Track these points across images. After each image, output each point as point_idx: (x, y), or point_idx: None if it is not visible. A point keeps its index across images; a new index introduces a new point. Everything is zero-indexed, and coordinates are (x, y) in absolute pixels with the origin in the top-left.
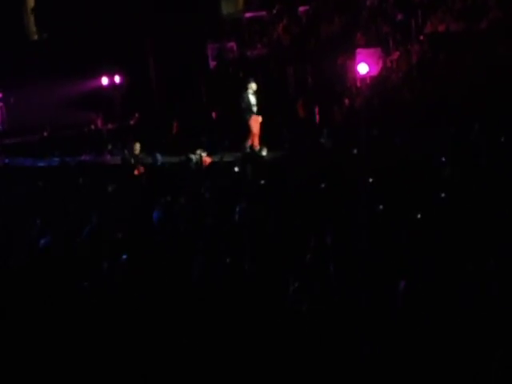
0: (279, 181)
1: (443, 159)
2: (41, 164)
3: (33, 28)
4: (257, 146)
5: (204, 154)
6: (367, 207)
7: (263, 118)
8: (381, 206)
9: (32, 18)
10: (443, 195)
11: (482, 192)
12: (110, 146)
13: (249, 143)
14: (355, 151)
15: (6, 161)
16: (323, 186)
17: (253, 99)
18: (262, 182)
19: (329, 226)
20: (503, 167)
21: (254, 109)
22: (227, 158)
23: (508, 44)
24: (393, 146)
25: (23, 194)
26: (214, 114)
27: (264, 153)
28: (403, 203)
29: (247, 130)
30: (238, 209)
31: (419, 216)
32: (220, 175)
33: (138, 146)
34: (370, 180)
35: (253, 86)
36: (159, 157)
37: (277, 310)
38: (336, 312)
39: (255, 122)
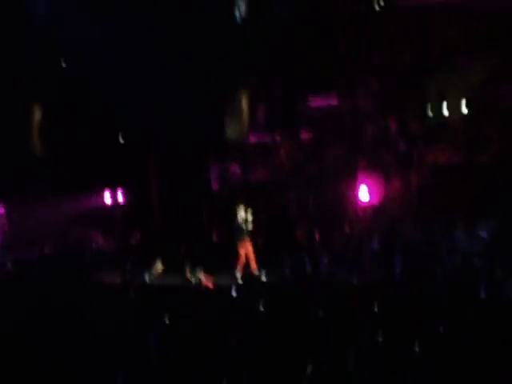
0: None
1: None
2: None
3: (37, 144)
4: (254, 270)
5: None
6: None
7: (261, 241)
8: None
9: (37, 135)
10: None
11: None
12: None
13: (239, 270)
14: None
15: None
16: (323, 316)
17: (242, 223)
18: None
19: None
20: None
21: (244, 233)
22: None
23: (509, 177)
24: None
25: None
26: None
27: (263, 278)
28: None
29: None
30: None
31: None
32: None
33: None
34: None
35: (241, 211)
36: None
37: None
38: None
39: (245, 247)
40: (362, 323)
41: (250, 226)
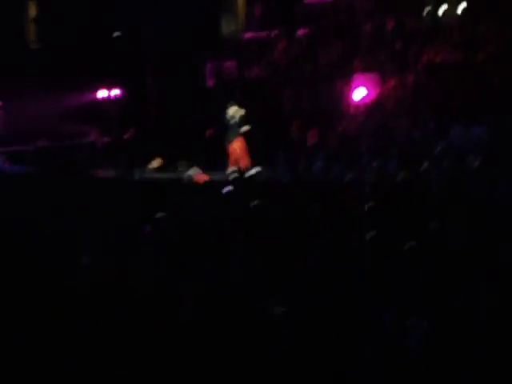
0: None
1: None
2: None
3: (33, 37)
4: (244, 167)
5: (198, 171)
6: (360, 234)
7: (255, 139)
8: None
9: (33, 27)
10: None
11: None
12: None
13: (230, 167)
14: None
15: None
16: (317, 210)
17: (233, 122)
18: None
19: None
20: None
21: (234, 132)
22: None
23: (504, 78)
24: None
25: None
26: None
27: (253, 171)
28: (397, 231)
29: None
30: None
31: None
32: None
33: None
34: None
35: (230, 111)
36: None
37: None
38: None
39: (237, 145)
40: (354, 220)
41: (242, 123)
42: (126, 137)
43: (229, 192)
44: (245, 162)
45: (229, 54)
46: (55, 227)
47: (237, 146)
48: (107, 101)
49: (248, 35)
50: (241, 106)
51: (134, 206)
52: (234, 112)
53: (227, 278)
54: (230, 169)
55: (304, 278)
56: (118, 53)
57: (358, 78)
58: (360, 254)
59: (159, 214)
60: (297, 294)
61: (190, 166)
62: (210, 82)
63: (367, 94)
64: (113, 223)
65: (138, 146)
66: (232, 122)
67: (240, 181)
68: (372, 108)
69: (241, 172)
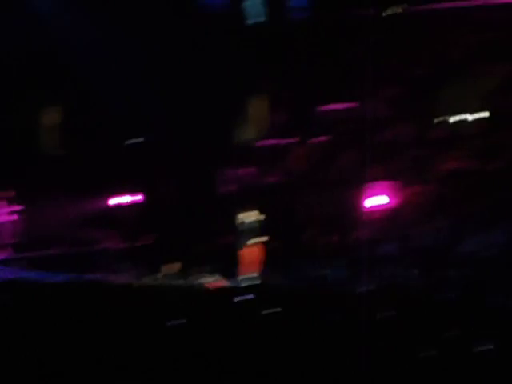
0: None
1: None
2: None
3: (54, 142)
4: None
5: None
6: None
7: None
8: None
9: (54, 134)
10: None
11: None
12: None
13: (243, 274)
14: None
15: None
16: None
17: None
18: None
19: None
20: None
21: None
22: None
23: None
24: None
25: None
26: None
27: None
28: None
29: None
30: None
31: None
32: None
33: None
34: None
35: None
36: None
37: None
38: None
39: (251, 251)
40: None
41: (257, 229)
42: (142, 242)
43: (242, 300)
44: (258, 268)
45: (245, 160)
46: None
47: (251, 252)
48: (126, 206)
49: (265, 142)
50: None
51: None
52: (247, 217)
53: None
54: (243, 276)
55: None
56: (138, 159)
57: (375, 185)
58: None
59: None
60: None
61: (203, 272)
62: (226, 188)
63: (384, 202)
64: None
65: (155, 251)
66: (246, 227)
67: (253, 288)
68: (389, 215)
69: (255, 279)
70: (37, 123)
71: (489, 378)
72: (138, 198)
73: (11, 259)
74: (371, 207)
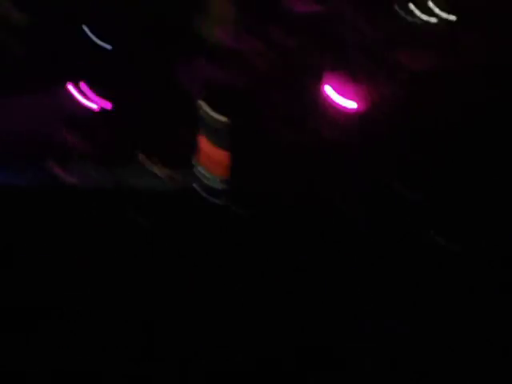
0: None
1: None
2: None
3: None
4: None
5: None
6: None
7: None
8: None
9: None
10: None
11: None
12: None
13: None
14: None
15: None
16: None
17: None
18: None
19: None
20: None
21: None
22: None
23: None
24: None
25: None
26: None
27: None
28: None
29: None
30: None
31: None
32: None
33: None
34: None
35: (212, 114)
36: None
37: None
38: None
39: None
40: None
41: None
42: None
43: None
44: (223, 172)
45: (207, 57)
46: None
47: (216, 155)
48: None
49: (227, 40)
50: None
51: None
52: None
53: None
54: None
55: None
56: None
57: (336, 84)
58: None
59: None
60: None
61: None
62: (189, 85)
63: (350, 105)
64: None
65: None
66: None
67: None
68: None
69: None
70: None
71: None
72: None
73: None
74: (338, 109)
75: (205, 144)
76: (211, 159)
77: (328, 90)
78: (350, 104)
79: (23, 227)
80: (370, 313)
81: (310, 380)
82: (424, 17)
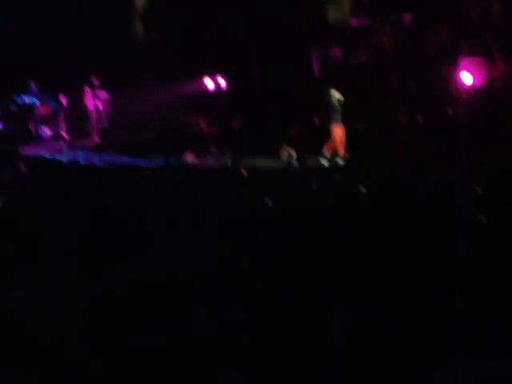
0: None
1: None
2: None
3: (140, 29)
4: (340, 154)
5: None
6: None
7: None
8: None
9: (140, 19)
10: None
11: None
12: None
13: (328, 150)
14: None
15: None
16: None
17: (337, 106)
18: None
19: None
20: None
21: (337, 117)
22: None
23: None
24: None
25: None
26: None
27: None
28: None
29: (328, 137)
30: None
31: None
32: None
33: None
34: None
35: (335, 95)
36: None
37: None
38: None
39: (337, 133)
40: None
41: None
42: (233, 126)
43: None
44: (342, 150)
45: (335, 41)
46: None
47: (336, 134)
48: (214, 90)
49: (354, 22)
50: (341, 91)
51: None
52: (336, 96)
53: None
54: (328, 152)
55: None
56: (224, 42)
57: (465, 61)
58: None
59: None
60: None
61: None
62: (316, 70)
63: (475, 79)
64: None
65: (246, 135)
66: (336, 105)
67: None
68: (481, 93)
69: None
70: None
71: None
72: (227, 83)
73: (104, 145)
74: (462, 86)
75: (333, 128)
76: (335, 141)
77: (455, 69)
78: (477, 82)
79: None
80: None
81: None
82: None
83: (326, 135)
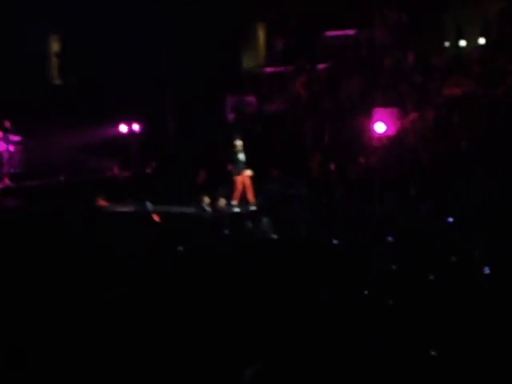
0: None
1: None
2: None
3: (55, 72)
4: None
5: (223, 202)
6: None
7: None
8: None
9: (55, 63)
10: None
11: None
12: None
13: (235, 200)
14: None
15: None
16: (337, 243)
17: (241, 156)
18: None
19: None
20: None
21: (241, 165)
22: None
23: None
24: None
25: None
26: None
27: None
28: (417, 264)
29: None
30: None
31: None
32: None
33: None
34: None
35: (238, 143)
36: (149, 205)
37: None
38: None
39: (243, 178)
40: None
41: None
42: (147, 171)
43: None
44: (251, 195)
45: (249, 88)
46: None
47: (243, 180)
48: (128, 135)
49: (269, 70)
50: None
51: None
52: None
53: None
54: (235, 200)
55: None
56: (139, 88)
57: (378, 112)
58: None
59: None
60: None
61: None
62: (230, 117)
63: (388, 129)
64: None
65: (159, 180)
66: (239, 155)
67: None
68: (393, 142)
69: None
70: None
71: None
72: (140, 126)
73: (11, 189)
74: (375, 135)
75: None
76: (241, 189)
77: (368, 117)
78: (389, 130)
79: None
80: None
81: None
82: (462, 43)
83: (233, 184)
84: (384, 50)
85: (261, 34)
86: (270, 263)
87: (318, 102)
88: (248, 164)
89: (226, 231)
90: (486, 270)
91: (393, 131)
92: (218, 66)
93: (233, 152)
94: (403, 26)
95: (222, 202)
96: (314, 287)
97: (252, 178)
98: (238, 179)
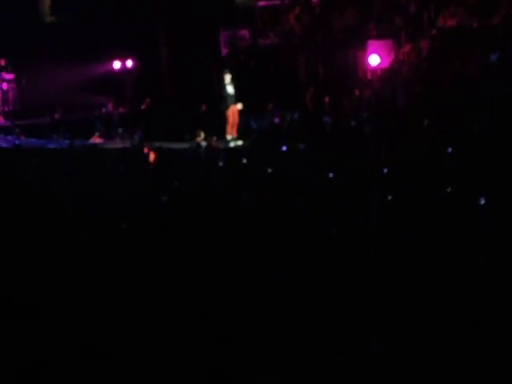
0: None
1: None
2: (51, 146)
3: (47, 10)
4: (233, 135)
5: (215, 139)
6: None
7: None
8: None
9: (46, 2)
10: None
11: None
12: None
13: (229, 133)
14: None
15: (17, 142)
16: (332, 175)
17: (230, 89)
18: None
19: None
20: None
21: (230, 99)
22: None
23: None
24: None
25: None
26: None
27: (233, 143)
28: (412, 195)
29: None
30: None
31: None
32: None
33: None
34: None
35: (227, 77)
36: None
37: None
38: None
39: (232, 112)
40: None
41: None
42: (142, 107)
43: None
44: (234, 129)
45: (243, 22)
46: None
47: (231, 113)
48: (122, 72)
49: (262, 3)
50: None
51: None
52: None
53: None
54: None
55: None
56: (132, 24)
57: (372, 44)
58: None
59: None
60: None
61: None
62: (224, 51)
63: (382, 61)
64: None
65: (154, 116)
66: (228, 88)
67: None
68: (388, 72)
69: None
70: None
71: None
72: (134, 62)
73: (7, 127)
74: (369, 67)
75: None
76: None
77: (362, 49)
78: (383, 62)
79: None
80: None
81: None
82: None
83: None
84: None
85: None
86: (266, 197)
87: (311, 35)
88: (240, 98)
89: (220, 165)
90: (482, 201)
91: (387, 63)
92: (211, 0)
93: (222, 86)
94: None
95: (214, 138)
96: (315, 221)
97: (240, 111)
98: (228, 113)
